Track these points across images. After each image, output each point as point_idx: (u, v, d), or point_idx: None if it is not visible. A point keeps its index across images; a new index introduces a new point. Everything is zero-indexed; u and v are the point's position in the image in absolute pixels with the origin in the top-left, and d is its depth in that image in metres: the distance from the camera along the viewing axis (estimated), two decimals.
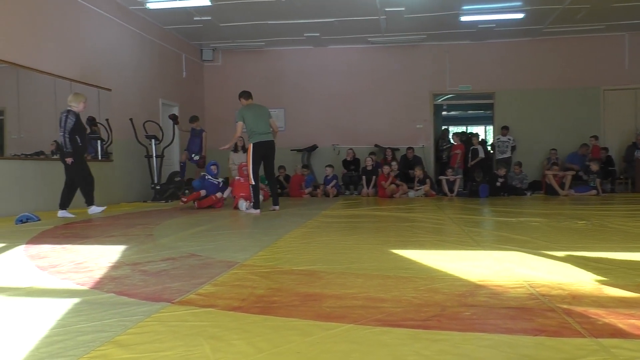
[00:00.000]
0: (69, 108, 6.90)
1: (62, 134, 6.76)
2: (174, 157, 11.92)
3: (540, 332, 1.89)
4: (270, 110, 7.69)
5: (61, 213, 6.94)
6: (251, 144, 7.36)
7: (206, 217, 6.77)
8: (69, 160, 6.82)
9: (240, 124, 7.34)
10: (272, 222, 6.10)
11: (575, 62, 12.76)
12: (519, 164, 11.74)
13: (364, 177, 11.85)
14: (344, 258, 3.54)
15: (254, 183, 7.32)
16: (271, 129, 7.47)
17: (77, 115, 6.93)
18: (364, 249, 4.01)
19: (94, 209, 7.18)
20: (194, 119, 10.97)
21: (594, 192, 10.84)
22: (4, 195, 7.05)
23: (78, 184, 7.06)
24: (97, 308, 2.27)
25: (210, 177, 8.52)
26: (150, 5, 9.99)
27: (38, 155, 7.78)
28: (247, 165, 7.51)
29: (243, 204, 7.64)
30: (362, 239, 4.61)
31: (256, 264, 3.27)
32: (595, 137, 12.14)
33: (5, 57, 7.13)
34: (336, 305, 2.29)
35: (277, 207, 7.58)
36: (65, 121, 6.78)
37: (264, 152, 7.39)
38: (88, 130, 8.38)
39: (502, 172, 11.15)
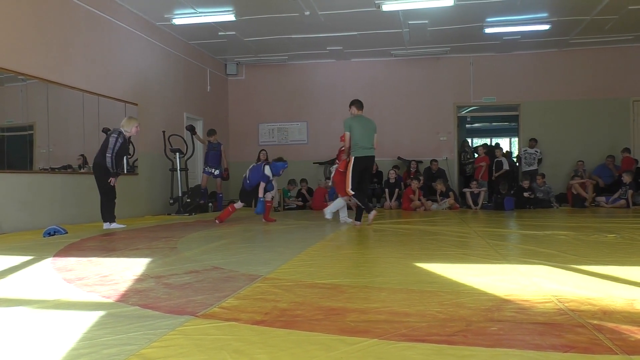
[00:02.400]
0: (120, 130, 7.02)
1: (109, 154, 6.84)
2: (197, 170, 12.02)
3: (570, 349, 1.83)
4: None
5: (110, 225, 7.09)
6: (353, 157, 7.13)
7: (229, 230, 6.81)
8: (112, 181, 6.92)
9: (347, 134, 7.15)
10: (295, 235, 6.10)
11: (604, 73, 12.58)
12: (542, 176, 11.57)
13: (386, 189, 11.82)
14: (367, 271, 3.51)
15: (352, 193, 7.19)
16: (373, 144, 7.25)
17: (125, 139, 7.06)
18: (387, 262, 3.97)
19: (108, 225, 7.09)
20: (211, 132, 11.04)
21: (622, 202, 10.70)
22: (33, 208, 7.19)
23: (101, 199, 7.06)
24: (122, 321, 2.28)
25: (271, 177, 7.94)
26: (176, 21, 10.17)
27: (66, 169, 7.93)
28: (345, 178, 7.32)
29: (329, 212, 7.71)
30: (386, 252, 4.58)
31: (279, 278, 3.26)
32: (627, 150, 11.89)
33: (36, 72, 7.32)
34: (360, 319, 2.26)
35: (358, 223, 7.29)
36: (115, 143, 6.89)
37: (364, 166, 7.19)
38: (131, 155, 8.58)
39: (525, 184, 11.03)
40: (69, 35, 7.99)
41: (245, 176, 7.91)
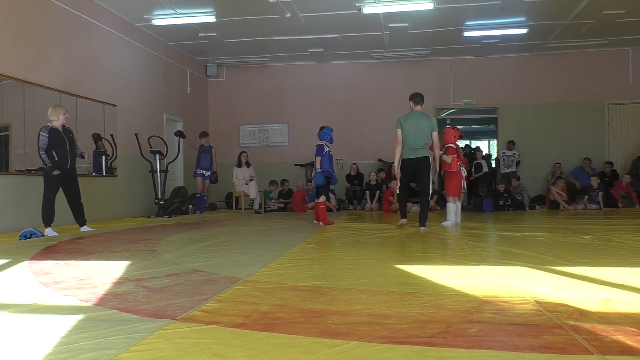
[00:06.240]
0: (46, 125, 6.59)
1: (39, 152, 6.48)
2: (178, 172, 11.96)
3: (548, 349, 1.86)
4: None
5: (83, 228, 6.98)
6: (401, 159, 6.78)
7: (210, 233, 6.77)
8: (55, 172, 6.53)
9: (398, 132, 6.69)
10: (276, 238, 6.09)
11: (580, 77, 12.79)
12: (517, 178, 11.68)
13: (367, 191, 11.85)
14: (348, 274, 3.52)
15: (397, 192, 7.10)
16: (426, 144, 6.69)
17: (51, 130, 6.56)
18: (368, 264, 3.98)
19: (50, 231, 6.61)
20: (203, 134, 11.08)
21: (594, 206, 10.92)
22: (8, 210, 7.07)
23: (43, 198, 6.65)
24: (100, 325, 2.25)
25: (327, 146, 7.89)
26: (156, 22, 10.09)
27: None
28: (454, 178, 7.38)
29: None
30: (366, 254, 4.59)
31: (260, 280, 3.25)
32: (589, 159, 12.11)
33: (12, 73, 7.19)
34: (340, 321, 2.27)
35: (423, 228, 6.63)
36: (38, 139, 6.49)
37: (412, 169, 6.74)
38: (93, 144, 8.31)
39: (501, 187, 11.15)
40: (45, 34, 7.87)
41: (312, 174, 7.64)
